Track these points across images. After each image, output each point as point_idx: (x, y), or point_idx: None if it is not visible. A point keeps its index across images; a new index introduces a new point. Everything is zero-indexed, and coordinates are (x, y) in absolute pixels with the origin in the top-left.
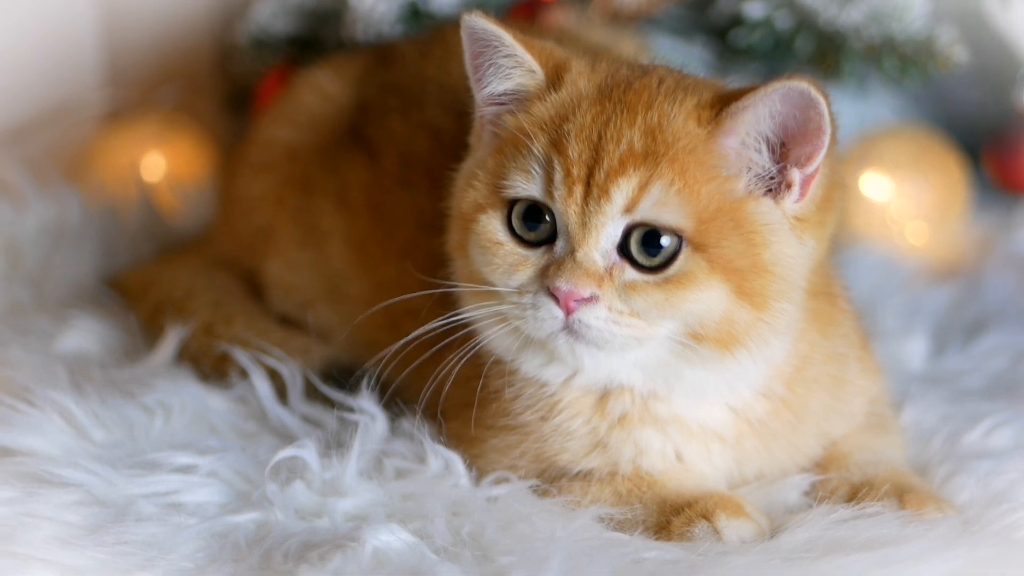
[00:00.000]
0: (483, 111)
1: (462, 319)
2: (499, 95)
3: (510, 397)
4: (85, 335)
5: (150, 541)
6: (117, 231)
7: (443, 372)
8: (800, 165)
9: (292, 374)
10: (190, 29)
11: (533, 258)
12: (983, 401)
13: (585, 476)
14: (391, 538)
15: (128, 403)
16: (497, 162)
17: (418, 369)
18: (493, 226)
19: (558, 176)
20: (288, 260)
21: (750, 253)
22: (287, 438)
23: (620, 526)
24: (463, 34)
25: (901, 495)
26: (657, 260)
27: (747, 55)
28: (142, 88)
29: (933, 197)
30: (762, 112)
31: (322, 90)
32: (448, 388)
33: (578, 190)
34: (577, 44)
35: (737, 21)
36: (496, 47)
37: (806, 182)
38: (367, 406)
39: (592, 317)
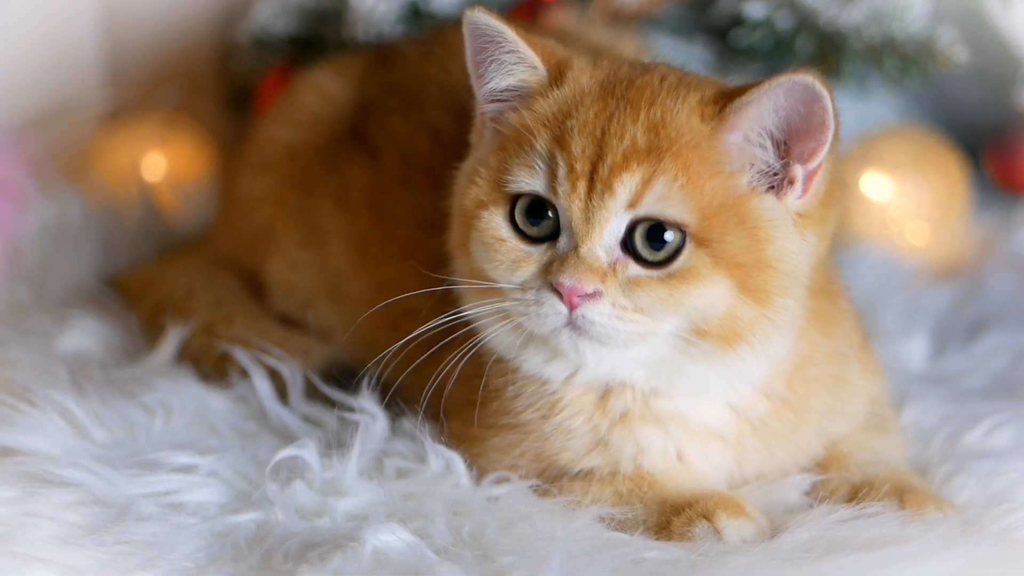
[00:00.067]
0: (484, 108)
1: (463, 317)
2: (501, 91)
3: (511, 396)
4: (86, 335)
5: (150, 541)
6: (118, 231)
7: (444, 371)
8: (803, 161)
9: (292, 374)
10: (191, 29)
11: (536, 254)
12: (983, 401)
13: (586, 476)
14: (391, 538)
15: (128, 403)
16: (499, 159)
17: (419, 369)
18: (496, 222)
19: (561, 172)
20: (289, 260)
21: (754, 248)
22: (287, 438)
23: (620, 526)
24: (465, 30)
25: (901, 495)
26: (661, 255)
27: (748, 55)
28: (143, 88)
29: (933, 197)
30: (767, 107)
31: (323, 90)
32: (449, 387)
33: (582, 185)
34: (578, 44)
35: (738, 21)
36: (499, 43)
37: (809, 178)
38: (367, 406)
39: (596, 313)
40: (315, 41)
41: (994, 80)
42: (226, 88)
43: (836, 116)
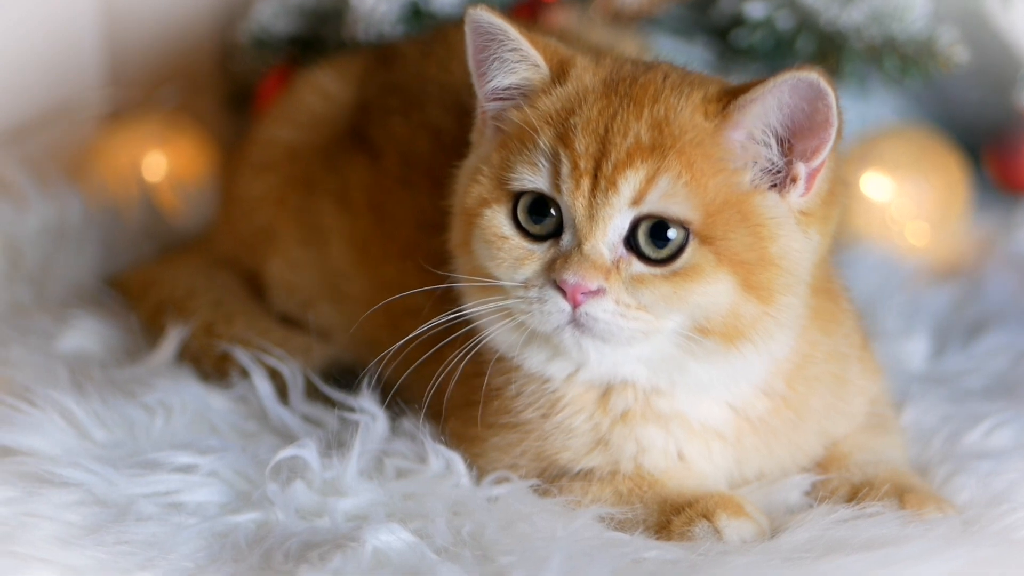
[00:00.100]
0: (486, 106)
1: (464, 316)
2: (503, 90)
3: (511, 395)
4: (86, 335)
5: (150, 541)
6: (118, 231)
7: (445, 371)
8: (806, 159)
9: (293, 374)
10: (191, 29)
11: (539, 252)
12: (983, 401)
13: (586, 475)
14: (391, 538)
15: (129, 403)
16: (502, 157)
17: (419, 368)
18: (498, 220)
19: (565, 169)
20: (289, 259)
21: (757, 246)
22: (288, 438)
23: (620, 526)
24: (467, 28)
25: (901, 495)
26: (664, 252)
27: (748, 55)
28: (143, 88)
29: (934, 197)
30: (771, 104)
31: (323, 90)
32: (450, 387)
33: (585, 183)
34: (578, 44)
35: (738, 21)
36: (501, 41)
37: (812, 176)
38: (368, 406)
39: (599, 310)
40: (315, 41)
41: (994, 80)
42: (226, 88)
43: (840, 114)
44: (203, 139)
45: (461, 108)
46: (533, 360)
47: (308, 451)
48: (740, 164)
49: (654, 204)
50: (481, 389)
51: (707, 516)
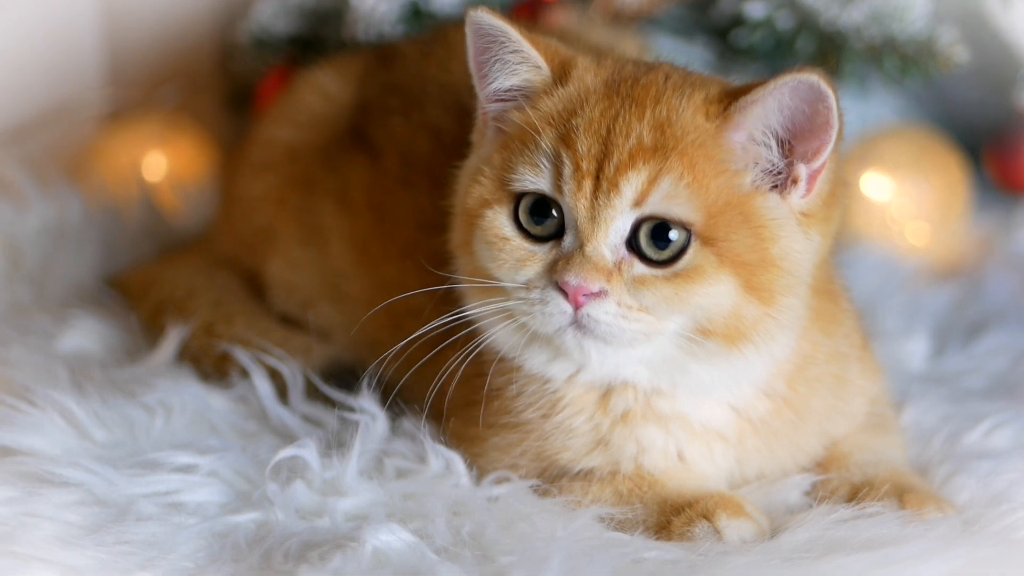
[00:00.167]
0: (487, 108)
1: (465, 317)
2: (504, 91)
3: (512, 395)
4: (86, 335)
5: (150, 541)
6: (118, 231)
7: (447, 372)
8: (807, 160)
9: (293, 374)
10: (191, 29)
11: (540, 253)
12: (983, 401)
13: (586, 476)
14: (391, 538)
15: (129, 403)
16: (503, 158)
17: (420, 369)
18: (500, 221)
19: (567, 170)
20: (289, 259)
21: (759, 247)
22: (288, 438)
23: (620, 526)
24: (468, 30)
25: (901, 495)
26: (666, 254)
27: (748, 55)
28: (143, 88)
29: (934, 197)
30: (771, 105)
31: (323, 90)
32: (451, 388)
33: (587, 184)
34: (578, 44)
35: (738, 21)
36: (502, 42)
37: (812, 177)
38: (368, 406)
39: (601, 312)
40: (315, 41)
41: (994, 80)
42: (226, 88)
43: (840, 115)
44: (203, 139)
45: (461, 108)
46: (534, 361)
47: (308, 451)
48: (741, 165)
49: (656, 205)
50: (482, 389)
51: (707, 516)
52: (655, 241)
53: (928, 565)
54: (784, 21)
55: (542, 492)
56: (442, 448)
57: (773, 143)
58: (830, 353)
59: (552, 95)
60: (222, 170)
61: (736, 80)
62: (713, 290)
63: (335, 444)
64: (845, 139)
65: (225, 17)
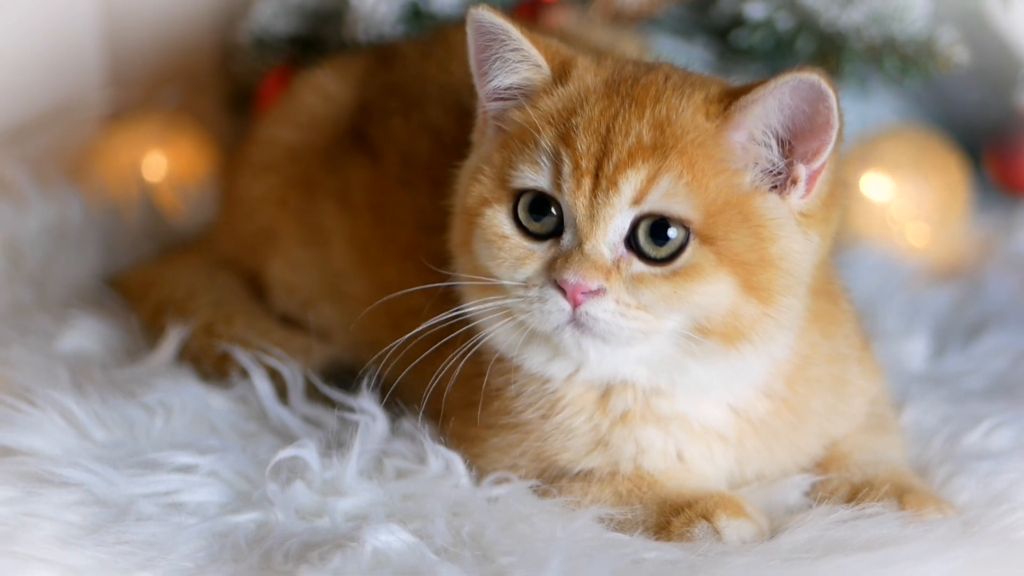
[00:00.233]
0: (487, 106)
1: (464, 316)
2: (504, 90)
3: (511, 395)
4: (86, 335)
5: (150, 541)
6: (118, 231)
7: (444, 370)
8: (807, 160)
9: (293, 374)
10: (191, 29)
11: (539, 251)
12: (983, 402)
13: (585, 476)
14: (391, 538)
15: (129, 403)
16: (503, 156)
17: (419, 368)
18: (499, 219)
19: (566, 169)
20: (290, 260)
21: (758, 247)
22: (287, 438)
23: (620, 526)
24: (469, 28)
25: (901, 495)
26: (665, 251)
27: (748, 56)
28: (143, 88)
29: (934, 198)
30: (772, 105)
31: (323, 90)
32: (449, 387)
33: (587, 182)
34: (578, 44)
35: (738, 22)
36: (503, 41)
37: (812, 178)
38: (367, 406)
39: (600, 310)
40: (316, 41)
41: (994, 80)
42: (227, 88)
43: (840, 116)
44: (203, 139)
45: (461, 108)
46: (533, 360)
47: (308, 451)
48: (741, 165)
49: (655, 204)
50: (481, 389)
51: (706, 517)
52: (654, 239)
53: (928, 566)
54: (784, 21)
55: (542, 493)
56: (442, 448)
57: (773, 143)
58: (830, 354)
59: (552, 94)
60: (222, 170)
61: (736, 81)
62: (712, 289)
63: (335, 444)
64: (845, 139)
65: (225, 17)
